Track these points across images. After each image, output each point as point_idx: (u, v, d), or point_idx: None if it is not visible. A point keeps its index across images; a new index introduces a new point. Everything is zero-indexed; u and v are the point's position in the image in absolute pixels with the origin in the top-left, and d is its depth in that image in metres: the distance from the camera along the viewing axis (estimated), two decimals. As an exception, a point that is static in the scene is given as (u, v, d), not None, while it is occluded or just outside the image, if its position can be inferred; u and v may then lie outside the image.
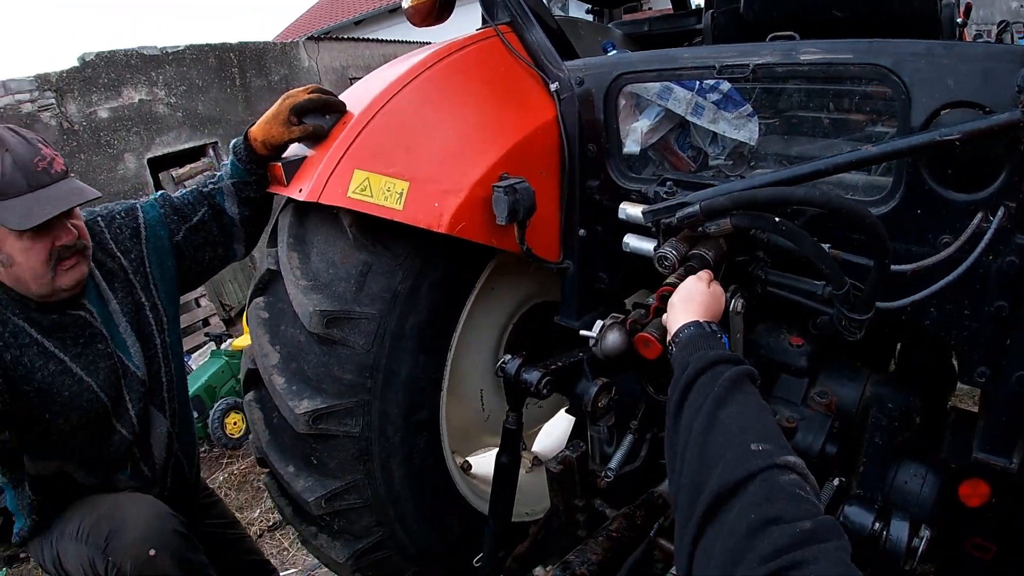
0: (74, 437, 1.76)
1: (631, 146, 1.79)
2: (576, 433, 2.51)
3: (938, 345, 1.48)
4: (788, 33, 1.64)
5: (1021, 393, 1.33)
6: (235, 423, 4.68)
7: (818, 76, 1.52)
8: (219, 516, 2.35)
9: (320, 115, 1.82)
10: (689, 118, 1.78)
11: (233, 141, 1.92)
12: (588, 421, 1.63)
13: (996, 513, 1.53)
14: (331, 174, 1.72)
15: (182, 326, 5.75)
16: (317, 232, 1.87)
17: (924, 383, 1.85)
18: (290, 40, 7.66)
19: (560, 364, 1.59)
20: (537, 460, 2.73)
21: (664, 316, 1.28)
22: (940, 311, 1.43)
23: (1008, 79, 1.24)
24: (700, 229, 1.30)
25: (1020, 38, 2.61)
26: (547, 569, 1.65)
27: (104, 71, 5.68)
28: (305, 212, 1.89)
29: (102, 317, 1.80)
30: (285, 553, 3.64)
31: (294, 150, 1.88)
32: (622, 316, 1.42)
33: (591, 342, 1.39)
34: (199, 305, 5.93)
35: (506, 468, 1.72)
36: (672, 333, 1.20)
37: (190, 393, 4.54)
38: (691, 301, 1.22)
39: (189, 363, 5.02)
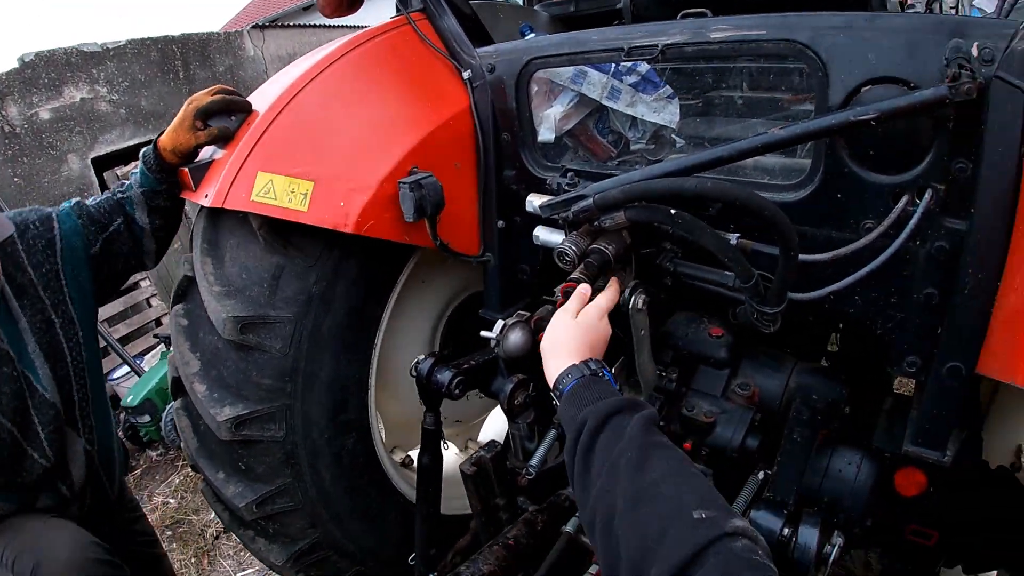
0: None
1: (545, 134, 1.74)
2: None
3: (864, 334, 1.44)
4: (699, 10, 1.58)
5: (953, 385, 1.27)
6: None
7: (731, 55, 1.46)
8: (143, 533, 2.30)
9: (226, 116, 1.76)
10: (605, 102, 1.74)
11: (143, 150, 1.85)
12: (507, 418, 1.60)
13: (934, 502, 1.48)
14: (235, 178, 1.66)
15: (135, 327, 5.65)
16: (229, 237, 1.82)
17: (857, 371, 1.83)
18: (235, 30, 7.44)
19: (473, 363, 1.56)
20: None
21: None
22: (865, 299, 1.37)
23: (935, 52, 1.17)
24: (596, 223, 1.26)
25: (951, 7, 2.58)
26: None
27: (44, 71, 5.47)
28: (217, 217, 1.83)
29: (9, 337, 1.72)
30: (243, 554, 3.59)
31: (203, 154, 1.81)
32: (527, 314, 1.38)
33: (492, 343, 1.36)
34: (150, 305, 5.80)
35: (428, 468, 1.69)
36: (552, 385, 1.11)
37: (141, 396, 4.46)
38: (560, 345, 1.13)
39: (141, 364, 4.91)
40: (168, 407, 4.47)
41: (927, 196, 1.23)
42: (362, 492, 2.06)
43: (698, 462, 1.47)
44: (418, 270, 2.06)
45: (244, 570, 3.45)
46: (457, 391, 1.52)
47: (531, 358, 1.47)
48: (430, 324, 2.28)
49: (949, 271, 1.25)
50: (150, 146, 1.83)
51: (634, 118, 1.78)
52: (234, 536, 3.74)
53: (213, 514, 3.92)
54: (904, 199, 1.25)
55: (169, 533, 3.73)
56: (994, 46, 1.12)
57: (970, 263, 1.20)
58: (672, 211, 1.19)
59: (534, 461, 1.61)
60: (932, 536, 1.53)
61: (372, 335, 1.95)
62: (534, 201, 1.46)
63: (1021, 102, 1.09)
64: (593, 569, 1.43)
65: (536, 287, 1.91)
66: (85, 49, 5.84)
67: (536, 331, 1.35)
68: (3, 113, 5.26)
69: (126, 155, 6.17)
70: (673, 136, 1.75)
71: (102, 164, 5.92)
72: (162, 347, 4.99)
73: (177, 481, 4.21)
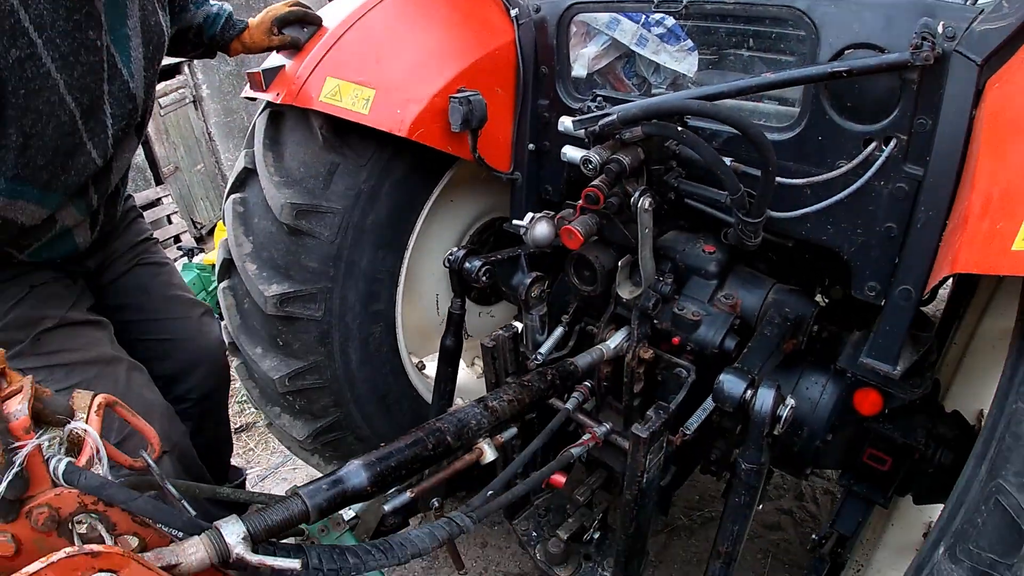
0: (26, 153, 1.40)
1: (579, 70, 1.99)
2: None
3: (834, 260, 1.69)
4: None
5: (904, 305, 1.52)
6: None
7: (742, 14, 1.71)
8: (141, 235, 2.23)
9: (299, 27, 1.99)
10: (633, 48, 1.98)
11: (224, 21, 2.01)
12: (522, 309, 1.86)
13: (888, 423, 1.73)
14: (306, 80, 1.90)
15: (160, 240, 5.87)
16: (291, 134, 2.05)
17: (830, 300, 2.09)
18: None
19: (500, 257, 1.82)
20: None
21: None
22: (835, 228, 1.62)
23: (909, 26, 1.40)
24: (617, 136, 1.51)
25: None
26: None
27: None
28: (280, 116, 2.07)
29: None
30: (251, 453, 3.88)
31: (271, 60, 2.04)
32: (552, 213, 1.64)
33: (521, 230, 1.61)
34: (171, 222, 6.04)
35: (450, 350, 1.95)
36: None
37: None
38: None
39: (163, 275, 5.17)
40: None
41: (892, 144, 1.48)
42: (383, 380, 2.32)
43: (683, 358, 1.73)
44: (450, 189, 2.31)
45: (251, 468, 3.73)
46: (485, 278, 1.78)
47: (552, 253, 1.72)
48: (454, 239, 2.53)
49: (907, 209, 1.50)
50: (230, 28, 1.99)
51: (657, 65, 2.03)
52: (242, 437, 4.05)
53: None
54: (872, 145, 1.50)
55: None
56: (957, 26, 1.37)
57: (924, 203, 1.45)
58: (679, 128, 1.45)
59: (543, 350, 1.88)
60: (887, 461, 1.76)
61: (406, 238, 2.20)
62: (566, 121, 1.70)
63: (975, 73, 1.34)
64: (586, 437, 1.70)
65: (557, 206, 2.17)
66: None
67: (558, 227, 1.60)
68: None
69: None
70: (689, 84, 1.99)
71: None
72: (183, 260, 5.23)
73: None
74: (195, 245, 5.58)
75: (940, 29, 1.35)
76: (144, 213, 5.78)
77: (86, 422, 0.98)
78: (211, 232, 6.63)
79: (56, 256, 1.79)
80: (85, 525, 0.89)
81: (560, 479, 1.82)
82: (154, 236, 2.30)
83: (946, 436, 1.72)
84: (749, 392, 1.37)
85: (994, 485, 0.99)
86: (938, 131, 1.41)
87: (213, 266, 5.12)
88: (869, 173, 1.49)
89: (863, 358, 1.59)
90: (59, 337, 1.76)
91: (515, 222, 1.64)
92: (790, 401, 1.37)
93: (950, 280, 2.15)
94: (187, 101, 6.77)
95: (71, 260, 1.88)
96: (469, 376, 2.74)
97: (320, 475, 1.20)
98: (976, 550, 0.98)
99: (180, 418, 2.10)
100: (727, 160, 1.52)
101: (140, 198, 5.92)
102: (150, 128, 6.19)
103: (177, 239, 5.96)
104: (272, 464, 3.76)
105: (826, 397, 1.76)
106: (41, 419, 0.94)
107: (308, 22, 1.99)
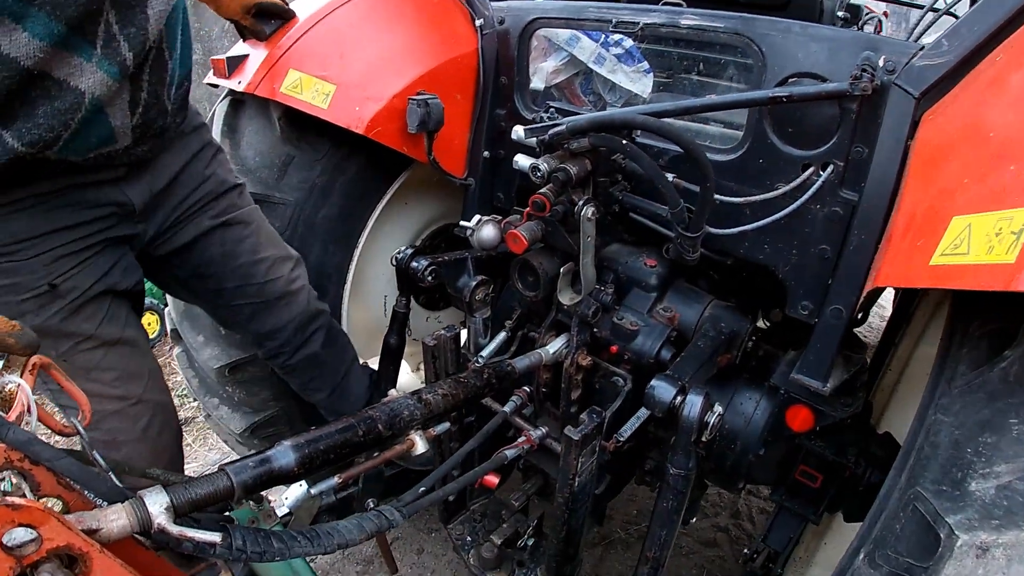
0: None
1: (537, 83, 2.04)
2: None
3: (771, 279, 1.76)
4: (677, 0, 1.90)
5: (835, 324, 1.58)
6: (149, 324, 4.78)
7: (695, 39, 1.79)
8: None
9: (268, 20, 2.00)
10: (591, 65, 2.05)
11: None
12: (466, 312, 1.88)
13: (819, 440, 1.78)
14: (268, 70, 1.91)
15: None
16: (249, 123, 2.06)
17: (771, 323, 2.16)
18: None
19: (446, 259, 1.84)
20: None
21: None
22: (772, 247, 1.69)
23: (851, 59, 1.47)
24: (566, 146, 1.56)
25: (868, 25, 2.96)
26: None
27: None
28: (241, 104, 2.08)
29: None
30: (188, 448, 3.80)
31: (238, 48, 2.05)
32: (500, 217, 1.68)
33: (468, 232, 1.64)
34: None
35: (392, 348, 1.97)
36: None
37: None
38: None
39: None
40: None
41: (829, 169, 1.55)
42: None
43: (621, 367, 1.77)
44: (404, 191, 2.33)
45: (188, 463, 3.66)
46: (430, 278, 1.80)
47: (498, 259, 1.76)
48: (405, 241, 2.55)
49: (840, 232, 1.57)
50: None
51: (613, 83, 2.09)
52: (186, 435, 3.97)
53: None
54: (810, 169, 1.57)
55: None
56: (897, 60, 1.45)
57: (858, 226, 1.53)
58: (624, 141, 1.51)
59: (484, 353, 1.91)
60: (818, 478, 1.82)
61: (357, 236, 2.22)
62: (518, 130, 1.74)
63: (911, 105, 1.42)
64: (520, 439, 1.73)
65: (507, 213, 2.21)
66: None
67: (504, 231, 1.64)
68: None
69: None
70: (642, 104, 2.06)
71: None
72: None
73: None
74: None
75: (881, 62, 1.43)
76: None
77: (20, 378, 0.96)
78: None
79: (87, 149, 1.34)
80: (6, 482, 0.88)
81: (493, 480, 1.83)
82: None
83: (877, 455, 1.78)
84: (679, 398, 1.41)
85: (912, 492, 1.03)
86: (874, 159, 1.49)
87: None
88: (806, 196, 1.56)
89: (794, 374, 1.65)
90: (85, 357, 1.49)
91: (462, 223, 1.67)
92: (717, 408, 1.42)
93: (889, 309, 2.25)
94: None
95: (111, 199, 1.46)
96: (413, 381, 2.74)
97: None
98: (894, 555, 1.01)
99: (286, 373, 2.00)
100: (670, 176, 1.58)
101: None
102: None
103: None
104: (210, 460, 3.70)
105: (759, 412, 1.81)
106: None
107: (281, 16, 1.99)
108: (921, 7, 2.83)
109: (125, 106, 1.36)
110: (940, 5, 2.55)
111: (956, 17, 2.34)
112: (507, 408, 1.79)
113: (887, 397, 2.11)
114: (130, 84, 1.34)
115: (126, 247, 1.58)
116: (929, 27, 2.46)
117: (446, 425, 1.46)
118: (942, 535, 0.90)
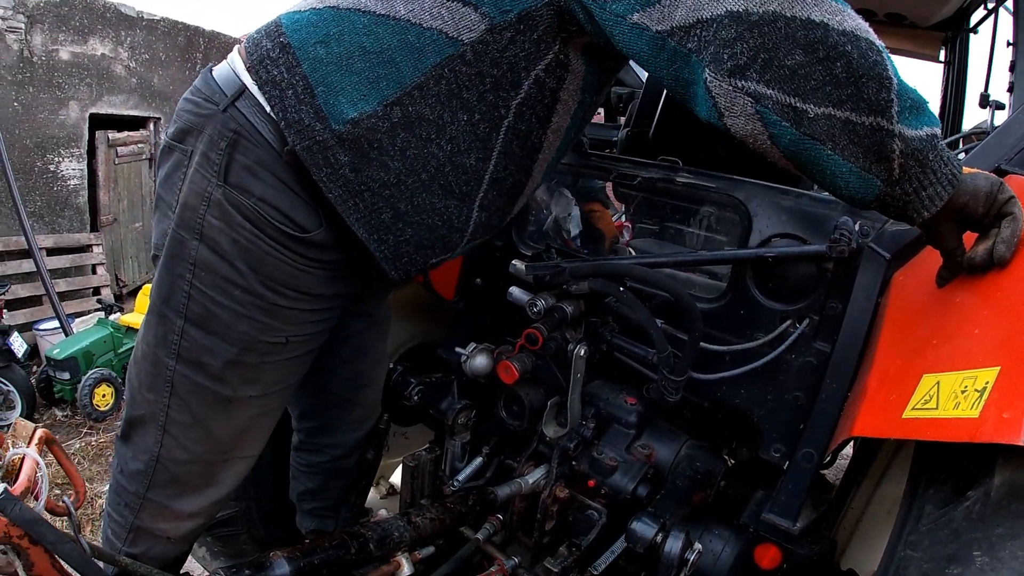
0: None
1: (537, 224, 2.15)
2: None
3: (746, 420, 1.81)
4: (672, 159, 2.04)
5: (806, 467, 1.61)
6: (104, 395, 4.62)
7: (687, 196, 1.91)
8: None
9: None
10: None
11: None
12: (447, 435, 1.89)
13: None
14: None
15: (75, 287, 5.58)
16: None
17: (736, 461, 2.20)
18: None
19: (434, 380, 1.86)
20: (393, 489, 2.93)
21: None
22: (749, 393, 1.76)
23: (829, 223, 1.60)
24: (564, 287, 1.63)
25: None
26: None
27: (79, 14, 5.63)
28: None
29: None
30: (127, 531, 3.62)
31: None
32: (492, 346, 1.72)
33: (462, 358, 1.68)
34: (95, 272, 5.82)
35: (368, 463, 1.94)
36: None
37: (67, 353, 4.47)
38: None
39: (73, 325, 4.92)
40: (89, 373, 4.50)
41: (805, 323, 1.65)
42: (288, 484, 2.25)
43: (596, 501, 1.78)
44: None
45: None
46: (416, 398, 1.81)
47: (486, 384, 1.78)
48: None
49: (814, 381, 1.64)
50: None
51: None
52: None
53: (107, 485, 3.92)
54: (787, 322, 1.67)
55: (57, 492, 3.71)
56: (871, 225, 1.58)
57: (830, 376, 1.60)
58: (621, 288, 1.58)
59: (460, 477, 1.90)
60: None
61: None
62: (517, 265, 1.82)
63: (884, 265, 1.53)
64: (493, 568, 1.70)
65: (491, 339, 2.25)
66: (122, 10, 6.04)
67: (496, 361, 1.68)
68: (28, 38, 5.34)
69: (122, 123, 6.29)
70: (630, 251, 2.17)
71: (98, 123, 6.03)
72: (99, 314, 5.02)
73: (77, 446, 4.19)
74: (114, 303, 5.38)
75: (856, 227, 1.55)
76: (70, 256, 5.61)
77: (33, 451, 0.94)
78: (133, 294, 6.35)
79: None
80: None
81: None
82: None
83: None
84: (660, 535, 1.44)
85: None
86: (847, 314, 1.57)
87: (128, 327, 4.93)
88: (782, 347, 1.65)
89: (765, 514, 1.68)
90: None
91: (457, 349, 1.70)
92: (697, 546, 1.45)
93: (851, 449, 2.31)
94: (144, 157, 6.72)
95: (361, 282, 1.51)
96: (372, 496, 2.68)
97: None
98: None
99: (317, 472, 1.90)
100: (658, 321, 1.65)
101: (71, 240, 5.70)
102: (99, 172, 6.05)
103: (97, 291, 5.73)
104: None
105: (728, 550, 1.82)
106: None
107: None
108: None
109: None
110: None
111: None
112: (480, 535, 1.78)
113: (849, 535, 2.15)
114: None
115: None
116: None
117: (431, 549, 1.45)
118: None
